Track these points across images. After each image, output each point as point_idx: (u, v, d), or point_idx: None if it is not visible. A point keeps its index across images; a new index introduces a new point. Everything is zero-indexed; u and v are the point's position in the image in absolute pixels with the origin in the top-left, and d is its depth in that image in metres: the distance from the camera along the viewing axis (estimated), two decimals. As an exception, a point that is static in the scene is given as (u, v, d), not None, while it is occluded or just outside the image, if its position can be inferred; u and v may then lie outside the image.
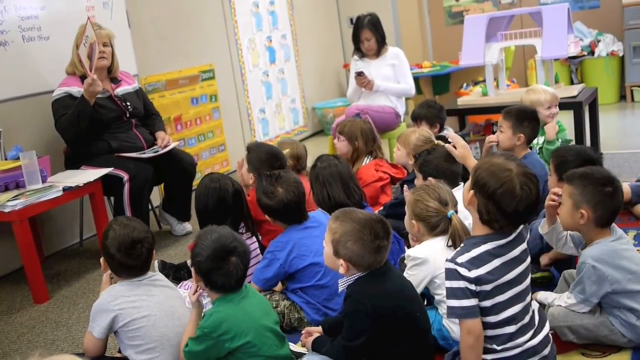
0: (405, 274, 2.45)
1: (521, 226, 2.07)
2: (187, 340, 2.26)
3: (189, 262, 2.86)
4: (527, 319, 2.06)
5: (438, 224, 2.46)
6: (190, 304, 2.71)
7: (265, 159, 3.44)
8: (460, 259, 1.99)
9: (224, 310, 2.22)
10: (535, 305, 2.15)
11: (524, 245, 2.07)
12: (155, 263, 3.36)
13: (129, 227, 2.37)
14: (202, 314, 2.33)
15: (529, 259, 2.09)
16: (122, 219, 2.46)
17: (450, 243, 2.41)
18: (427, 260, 2.42)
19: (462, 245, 2.07)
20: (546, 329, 2.12)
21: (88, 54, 3.88)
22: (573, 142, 4.23)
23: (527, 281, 2.08)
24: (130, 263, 2.35)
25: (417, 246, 2.51)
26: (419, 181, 3.14)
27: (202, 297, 2.41)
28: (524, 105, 3.71)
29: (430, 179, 2.87)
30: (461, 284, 1.97)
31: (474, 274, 1.96)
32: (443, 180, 2.71)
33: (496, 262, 1.99)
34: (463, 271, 1.97)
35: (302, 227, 2.85)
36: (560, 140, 3.86)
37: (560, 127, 3.92)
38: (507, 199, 1.94)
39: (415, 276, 2.43)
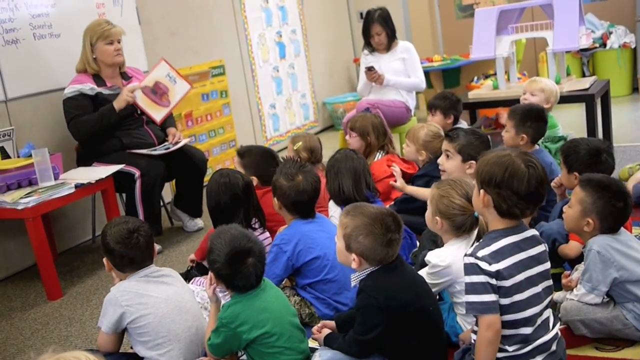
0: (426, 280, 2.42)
1: (534, 231, 2.06)
2: (209, 334, 2.30)
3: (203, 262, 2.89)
4: (541, 321, 2.02)
5: (464, 222, 2.38)
6: (201, 298, 2.73)
7: (261, 159, 3.51)
8: (480, 253, 1.96)
9: (241, 302, 2.25)
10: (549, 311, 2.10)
11: (541, 247, 2.05)
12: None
13: (122, 222, 2.44)
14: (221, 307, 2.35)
15: (548, 264, 2.06)
16: (115, 219, 2.53)
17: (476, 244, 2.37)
18: (449, 266, 2.35)
19: (481, 240, 2.04)
20: (557, 327, 2.10)
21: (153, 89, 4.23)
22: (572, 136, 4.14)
23: (546, 284, 2.04)
24: (131, 254, 2.39)
25: (438, 251, 2.44)
26: (454, 162, 3.11)
27: (221, 292, 2.43)
28: (532, 104, 3.66)
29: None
30: (482, 278, 1.94)
31: (494, 267, 1.93)
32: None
33: (516, 258, 1.97)
34: (484, 265, 1.94)
35: (307, 222, 2.85)
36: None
37: (551, 123, 3.82)
38: (517, 180, 1.93)
39: (435, 282, 2.37)
